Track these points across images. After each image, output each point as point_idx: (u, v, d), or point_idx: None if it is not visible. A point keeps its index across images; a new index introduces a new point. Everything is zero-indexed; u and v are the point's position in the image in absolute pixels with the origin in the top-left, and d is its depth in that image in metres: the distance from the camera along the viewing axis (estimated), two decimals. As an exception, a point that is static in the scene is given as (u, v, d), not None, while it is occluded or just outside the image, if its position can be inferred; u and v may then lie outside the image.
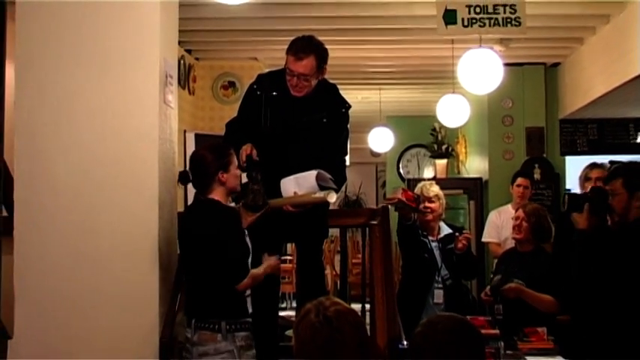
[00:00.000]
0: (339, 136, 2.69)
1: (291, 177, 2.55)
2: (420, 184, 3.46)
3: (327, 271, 5.75)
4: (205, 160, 2.37)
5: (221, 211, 2.36)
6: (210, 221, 2.33)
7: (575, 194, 2.37)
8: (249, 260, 2.37)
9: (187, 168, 2.46)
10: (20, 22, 2.49)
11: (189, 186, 2.52)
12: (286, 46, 2.62)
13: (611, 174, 2.29)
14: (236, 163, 2.43)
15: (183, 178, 2.44)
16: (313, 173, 2.51)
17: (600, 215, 2.24)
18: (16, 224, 2.40)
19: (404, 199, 3.02)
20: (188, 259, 2.42)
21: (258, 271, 2.38)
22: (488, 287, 3.24)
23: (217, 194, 2.38)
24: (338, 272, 5.54)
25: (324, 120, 2.60)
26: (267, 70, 3.16)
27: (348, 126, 2.76)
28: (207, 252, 2.31)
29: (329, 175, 2.55)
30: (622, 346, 2.13)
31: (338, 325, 1.60)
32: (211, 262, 2.30)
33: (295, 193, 2.52)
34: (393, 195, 3.42)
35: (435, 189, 3.38)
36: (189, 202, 2.85)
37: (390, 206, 3.09)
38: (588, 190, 2.35)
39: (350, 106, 2.71)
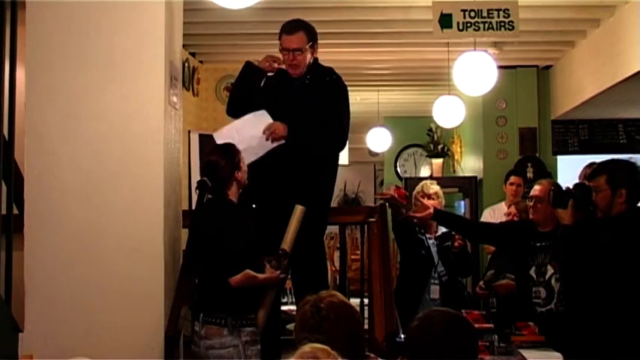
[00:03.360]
0: (329, 101, 2.73)
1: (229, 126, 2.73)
2: (421, 183, 3.51)
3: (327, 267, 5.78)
4: (220, 165, 2.44)
5: (230, 208, 2.43)
6: (219, 218, 2.39)
7: (559, 190, 2.42)
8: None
9: (202, 176, 2.50)
10: (30, 27, 2.55)
11: (192, 184, 2.59)
12: (286, 50, 2.69)
13: (594, 171, 2.31)
14: (244, 158, 2.51)
15: (202, 187, 2.46)
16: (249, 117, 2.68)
17: (584, 211, 2.27)
18: (26, 222, 2.48)
19: (396, 195, 3.12)
20: (199, 255, 2.45)
21: (258, 275, 2.39)
22: (482, 282, 3.33)
23: (232, 193, 2.46)
24: (337, 268, 5.59)
25: (307, 81, 2.74)
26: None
27: (348, 106, 2.79)
28: (214, 247, 2.36)
29: (267, 117, 2.66)
30: (608, 336, 2.19)
31: (326, 314, 1.67)
32: (215, 256, 2.35)
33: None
34: (386, 191, 3.52)
35: (434, 187, 3.44)
36: (194, 200, 2.92)
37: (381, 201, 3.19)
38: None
39: (338, 75, 2.78)
